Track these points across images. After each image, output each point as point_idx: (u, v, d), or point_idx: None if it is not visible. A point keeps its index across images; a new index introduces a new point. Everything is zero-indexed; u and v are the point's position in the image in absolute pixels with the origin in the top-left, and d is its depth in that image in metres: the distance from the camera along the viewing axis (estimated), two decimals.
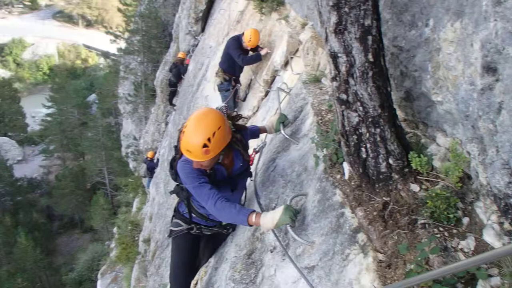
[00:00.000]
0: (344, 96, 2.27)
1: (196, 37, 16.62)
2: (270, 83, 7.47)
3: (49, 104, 49.16)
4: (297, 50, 6.32)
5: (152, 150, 19.58)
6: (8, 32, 72.64)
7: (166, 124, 19.74)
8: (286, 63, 6.62)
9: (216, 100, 9.09)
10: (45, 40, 74.61)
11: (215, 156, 3.08)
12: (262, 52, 7.74)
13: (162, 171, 15.34)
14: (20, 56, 72.60)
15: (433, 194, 2.22)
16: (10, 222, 39.31)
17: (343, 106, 2.32)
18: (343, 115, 2.37)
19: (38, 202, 44.53)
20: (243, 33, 7.93)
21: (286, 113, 4.29)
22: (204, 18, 16.09)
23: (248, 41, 7.73)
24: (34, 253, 34.79)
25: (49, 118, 49.17)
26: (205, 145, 2.96)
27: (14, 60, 72.32)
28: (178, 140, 3.15)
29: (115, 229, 22.07)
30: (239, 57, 7.80)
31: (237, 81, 8.49)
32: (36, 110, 55.82)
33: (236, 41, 7.90)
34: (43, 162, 49.99)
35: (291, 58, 6.28)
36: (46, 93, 52.37)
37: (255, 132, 3.95)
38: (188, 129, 3.00)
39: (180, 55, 16.79)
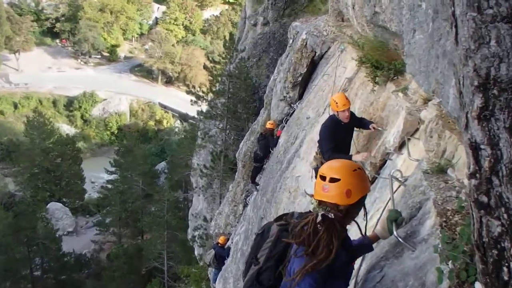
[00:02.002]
0: (484, 199, 2.18)
1: (292, 105, 17.06)
2: (378, 168, 7.38)
3: (112, 169, 51.93)
4: (417, 130, 6.25)
5: (224, 236, 19.72)
6: (81, 84, 79.80)
7: (245, 206, 19.93)
8: (401, 145, 6.54)
9: (309, 184, 9.12)
10: (118, 96, 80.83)
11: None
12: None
13: (233, 264, 15.34)
14: (89, 112, 78.92)
15: None
16: None
17: (482, 211, 2.22)
18: (481, 222, 2.26)
19: (83, 284, 45.94)
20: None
21: (400, 208, 4.19)
22: (304, 83, 16.57)
23: (332, 105, 7.75)
24: None
25: (109, 186, 51.77)
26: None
27: (82, 116, 78.71)
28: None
29: None
30: (327, 151, 7.60)
31: None
32: (97, 174, 59.27)
33: (329, 126, 7.81)
34: (95, 237, 52.07)
35: (408, 139, 6.20)
36: (111, 156, 55.54)
37: (363, 246, 3.90)
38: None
39: (270, 124, 17.18)
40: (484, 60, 1.99)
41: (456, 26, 2.07)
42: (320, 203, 3.23)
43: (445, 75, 4.43)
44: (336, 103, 7.64)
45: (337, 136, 7.69)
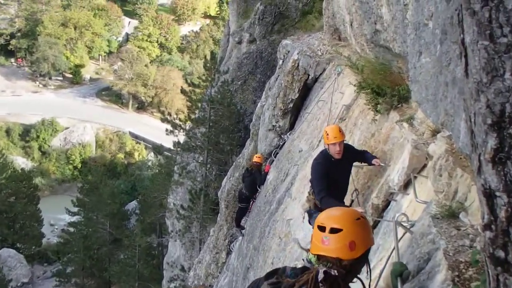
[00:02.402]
0: (501, 254, 2.16)
1: (282, 136, 17.10)
2: (381, 210, 7.37)
3: (75, 209, 51.44)
4: (424, 166, 6.26)
5: None
6: (39, 110, 79.31)
7: (228, 253, 19.83)
8: (406, 184, 6.54)
9: (302, 228, 9.08)
10: (83, 124, 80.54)
11: None
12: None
13: None
14: (48, 143, 78.27)
15: None
16: None
17: (498, 268, 2.20)
18: (497, 280, 2.24)
19: None
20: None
21: (406, 260, 4.17)
22: (295, 111, 16.65)
23: (324, 136, 7.62)
24: None
25: (71, 229, 51.13)
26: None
27: (39, 148, 78.02)
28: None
29: None
30: (318, 192, 7.44)
31: None
32: (57, 216, 58.68)
33: (321, 163, 7.68)
34: None
35: (415, 177, 6.22)
36: (73, 194, 55.07)
37: None
38: None
39: (257, 158, 17.17)
40: (498, 95, 1.98)
41: (466, 56, 2.06)
42: (320, 257, 3.15)
43: (455, 105, 4.43)
44: (327, 134, 7.47)
45: (330, 174, 7.47)
